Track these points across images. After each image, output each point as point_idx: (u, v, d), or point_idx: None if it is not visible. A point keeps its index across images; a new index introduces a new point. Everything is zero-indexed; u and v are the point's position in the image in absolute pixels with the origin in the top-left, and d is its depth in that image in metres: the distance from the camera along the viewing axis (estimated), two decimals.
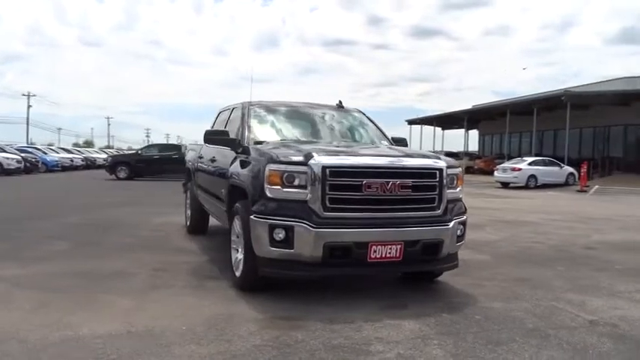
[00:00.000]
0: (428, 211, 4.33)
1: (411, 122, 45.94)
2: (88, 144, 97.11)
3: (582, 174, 22.45)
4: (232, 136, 5.41)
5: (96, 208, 11.08)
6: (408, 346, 3.37)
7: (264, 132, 5.45)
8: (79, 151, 40.81)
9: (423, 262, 4.42)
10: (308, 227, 3.97)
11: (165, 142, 25.63)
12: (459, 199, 4.67)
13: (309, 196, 4.05)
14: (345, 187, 4.10)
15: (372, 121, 6.22)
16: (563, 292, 4.88)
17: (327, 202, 4.05)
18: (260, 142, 5.08)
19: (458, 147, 47.99)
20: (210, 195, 6.08)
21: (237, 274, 4.63)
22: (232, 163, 5.04)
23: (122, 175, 22.43)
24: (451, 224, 4.40)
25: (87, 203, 12.02)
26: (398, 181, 4.18)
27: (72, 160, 33.01)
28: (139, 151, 24.23)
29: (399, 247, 4.17)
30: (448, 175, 4.45)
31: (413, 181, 4.26)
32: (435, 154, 4.83)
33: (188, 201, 7.90)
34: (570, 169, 24.72)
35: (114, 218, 9.34)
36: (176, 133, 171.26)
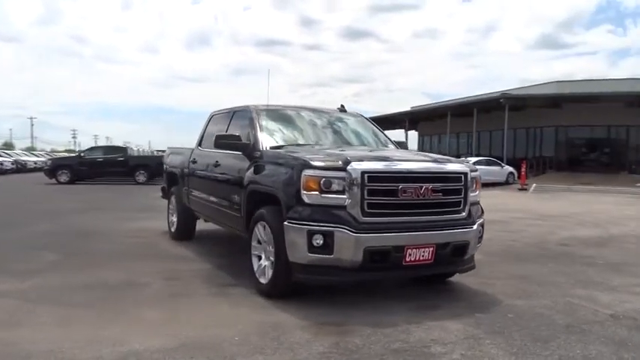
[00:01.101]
0: (454, 214, 4.47)
1: None
2: (8, 146, 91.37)
3: (522, 173, 23.61)
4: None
5: (60, 214, 10.53)
6: (465, 346, 3.47)
7: (278, 136, 5.40)
8: (7, 153, 38.39)
9: (450, 263, 4.55)
10: (349, 233, 4.00)
11: (109, 145, 24.45)
12: (478, 202, 4.84)
13: (347, 201, 4.07)
14: (383, 192, 4.16)
15: (374, 124, 6.32)
16: (570, 288, 5.15)
17: (366, 207, 4.09)
18: (279, 147, 5.05)
19: None
20: (213, 201, 5.94)
21: (263, 280, 4.57)
22: (250, 168, 4.97)
23: (63, 178, 21.34)
24: (475, 226, 4.56)
25: (49, 210, 11.39)
26: (430, 186, 4.29)
27: (1, 164, 31.01)
28: (82, 154, 23.13)
29: (431, 249, 4.27)
30: (471, 178, 4.61)
31: (443, 185, 4.38)
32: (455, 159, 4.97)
33: (172, 206, 7.68)
34: (510, 169, 25.96)
35: (85, 225, 8.91)
36: (105, 134, 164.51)
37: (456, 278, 5.26)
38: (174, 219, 7.58)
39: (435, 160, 4.65)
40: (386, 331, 3.72)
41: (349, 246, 4.00)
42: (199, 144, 6.86)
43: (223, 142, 5.30)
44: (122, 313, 4.07)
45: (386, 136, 6.18)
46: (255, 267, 4.74)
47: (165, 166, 8.25)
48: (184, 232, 7.40)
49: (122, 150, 23.29)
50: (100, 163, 22.09)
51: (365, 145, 5.81)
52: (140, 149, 26.15)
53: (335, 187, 4.09)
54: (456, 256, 4.48)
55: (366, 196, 4.08)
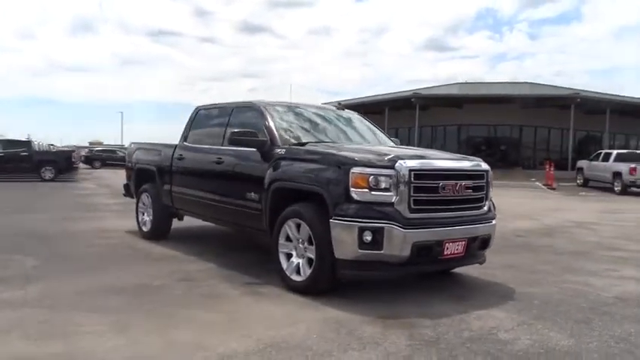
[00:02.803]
0: (479, 210, 4.76)
1: None
2: None
3: None
4: None
5: None
6: (525, 332, 3.73)
7: (293, 133, 5.38)
8: None
9: (474, 256, 4.84)
10: (398, 228, 4.13)
11: (9, 138, 22.25)
12: (491, 198, 5.18)
13: (394, 198, 4.20)
14: (427, 189, 4.34)
15: (371, 122, 6.48)
16: (560, 274, 5.66)
17: (412, 204, 4.24)
18: (301, 144, 5.05)
19: None
20: (214, 199, 5.77)
21: (298, 278, 4.58)
22: (272, 165, 4.93)
23: None
24: (494, 221, 4.88)
25: None
26: (463, 183, 4.54)
27: None
28: None
29: (464, 243, 4.53)
30: (490, 175, 4.93)
31: (473, 182, 4.65)
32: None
33: (143, 205, 7.32)
34: None
35: (31, 227, 8.19)
36: None
37: (459, 270, 5.55)
38: (147, 218, 7.23)
39: (464, 159, 4.91)
40: (444, 321, 3.91)
41: (399, 241, 4.14)
42: (185, 139, 6.61)
43: (239, 138, 5.18)
44: (173, 316, 3.90)
45: (383, 132, 6.37)
46: (285, 265, 4.71)
47: (131, 163, 7.83)
48: (159, 232, 7.11)
49: (25, 144, 21.42)
50: (0, 158, 20.21)
51: (372, 141, 5.94)
52: (40, 143, 24.09)
53: (383, 184, 4.20)
54: (481, 249, 4.78)
55: (412, 193, 4.24)
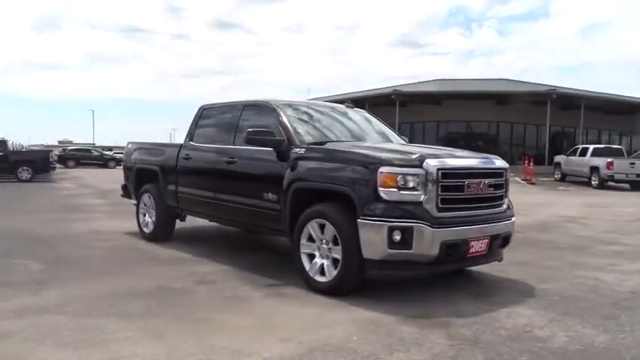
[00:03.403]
0: (498, 207, 4.79)
1: None
2: None
3: None
4: None
5: None
6: (558, 328, 3.77)
7: (310, 132, 5.32)
8: None
9: (495, 254, 4.87)
10: (428, 228, 4.13)
11: None
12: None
13: (423, 197, 4.20)
14: (453, 187, 4.35)
15: (381, 120, 6.47)
16: (570, 270, 5.75)
17: (439, 203, 4.25)
18: (320, 143, 5.01)
19: None
20: (227, 199, 5.67)
21: (322, 279, 4.54)
22: (291, 165, 4.88)
23: None
24: (513, 218, 4.93)
25: None
26: (486, 181, 4.57)
27: None
28: None
29: (487, 241, 4.55)
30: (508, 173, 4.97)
31: (494, 181, 4.68)
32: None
33: (144, 206, 7.18)
34: None
35: (24, 229, 7.96)
36: None
37: (473, 268, 5.57)
38: (149, 219, 7.10)
39: (484, 157, 4.93)
40: (476, 319, 3.93)
41: (428, 241, 4.14)
42: (191, 138, 6.49)
43: (256, 137, 5.11)
44: (203, 320, 3.83)
45: (393, 130, 6.37)
46: (308, 266, 4.67)
47: (129, 163, 7.66)
48: (162, 233, 6.98)
49: (1, 144, 20.82)
50: None
51: (385, 140, 5.94)
52: (15, 143, 23.41)
53: (411, 183, 4.19)
54: (502, 246, 4.82)
55: (439, 192, 4.24)
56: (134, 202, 7.71)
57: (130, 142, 7.98)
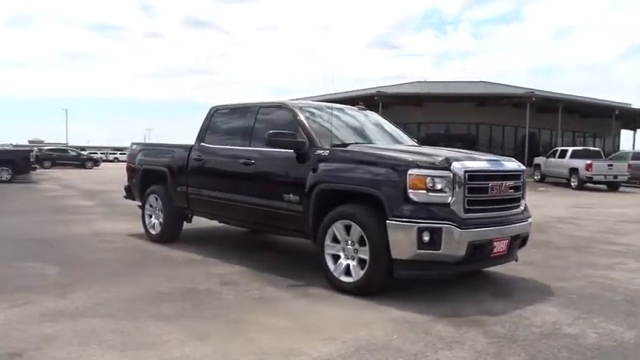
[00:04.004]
0: (517, 209, 4.92)
1: None
2: None
3: None
4: None
5: None
6: (585, 326, 3.90)
7: (329, 134, 5.36)
8: None
9: (512, 254, 4.99)
10: (456, 229, 4.23)
11: None
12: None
13: (450, 198, 4.30)
14: (478, 189, 4.46)
15: (391, 122, 6.56)
16: (578, 269, 5.92)
17: (466, 204, 4.35)
18: (343, 145, 5.07)
19: None
20: (244, 200, 5.68)
21: (348, 279, 4.61)
22: (313, 166, 4.93)
23: None
24: (530, 219, 5.07)
25: None
26: (507, 183, 4.70)
27: None
28: None
29: (507, 241, 4.68)
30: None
31: (514, 182, 4.81)
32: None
33: (151, 207, 7.13)
34: None
35: (25, 231, 7.85)
36: None
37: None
38: (156, 221, 7.07)
39: (503, 159, 5.06)
40: (505, 318, 4.04)
41: (456, 241, 4.24)
42: (202, 140, 6.48)
43: (277, 139, 5.14)
44: (241, 322, 3.86)
45: (405, 132, 6.48)
46: (332, 267, 4.73)
47: (133, 164, 7.60)
48: (170, 235, 6.96)
49: None
50: None
51: (400, 141, 6.02)
52: None
53: (439, 185, 4.29)
54: (520, 247, 4.95)
55: (466, 194, 4.35)
56: (138, 203, 7.66)
57: (133, 143, 7.92)
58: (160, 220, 6.97)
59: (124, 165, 8.20)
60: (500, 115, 32.62)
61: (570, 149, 23.36)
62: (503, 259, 4.86)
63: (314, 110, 5.71)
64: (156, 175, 7.06)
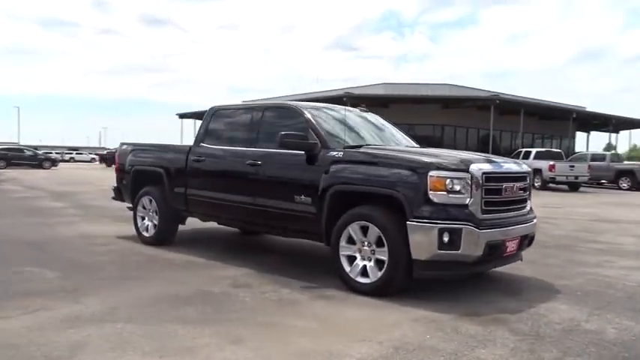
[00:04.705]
0: (524, 209, 5.07)
1: (182, 116, 45.19)
2: None
3: None
4: None
5: None
6: (603, 322, 4.05)
7: (339, 136, 5.37)
8: None
9: (519, 254, 5.13)
10: (475, 229, 4.32)
11: None
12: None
13: (469, 200, 4.39)
14: (494, 190, 4.58)
15: (392, 124, 6.63)
16: (573, 267, 6.13)
17: (483, 205, 4.45)
18: (357, 147, 5.10)
19: None
20: (251, 202, 5.63)
21: (365, 280, 4.64)
22: (327, 168, 4.94)
23: None
24: (535, 219, 5.22)
25: None
26: (518, 184, 4.84)
27: None
28: None
29: (517, 241, 4.82)
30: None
31: (523, 184, 4.95)
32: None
33: (144, 209, 6.98)
34: None
35: (8, 233, 7.55)
36: None
37: None
38: (150, 223, 6.92)
39: (514, 162, 5.19)
40: (524, 315, 4.16)
41: (474, 241, 4.33)
42: (202, 141, 6.39)
43: (291, 141, 5.13)
44: (271, 324, 3.84)
45: (405, 133, 6.57)
46: (348, 268, 4.76)
47: (123, 164, 7.42)
48: (165, 237, 6.83)
49: None
50: None
51: (405, 143, 6.11)
52: None
53: (458, 187, 4.37)
54: (527, 246, 5.10)
55: (483, 195, 4.45)
56: (128, 205, 7.49)
57: (123, 143, 7.73)
58: (155, 222, 6.83)
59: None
60: (464, 117, 33.36)
61: (534, 151, 24.10)
62: (512, 259, 4.99)
63: (319, 112, 5.72)
64: (150, 177, 6.92)
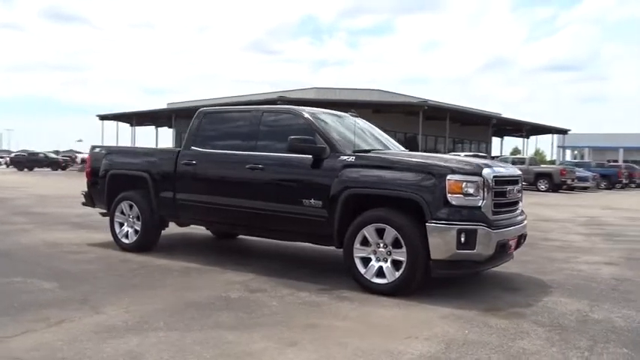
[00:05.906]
0: (517, 211, 5.43)
1: (103, 117, 43.23)
2: None
3: None
4: None
5: None
6: (605, 312, 4.43)
7: (345, 141, 5.48)
8: None
9: (512, 253, 5.48)
10: (488, 229, 4.60)
11: None
12: None
13: (481, 202, 4.66)
14: (502, 193, 4.89)
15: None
16: (550, 263, 6.59)
17: (493, 207, 4.75)
18: (366, 151, 5.24)
19: (150, 143, 47.71)
20: (253, 206, 5.60)
21: (382, 280, 4.78)
22: (339, 172, 5.04)
23: None
24: (526, 220, 5.61)
25: None
26: (517, 187, 5.19)
27: None
28: None
29: (516, 240, 5.17)
30: None
31: (520, 187, 5.32)
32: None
33: (123, 215, 6.71)
34: None
35: None
36: None
37: None
38: (130, 229, 6.66)
39: (509, 166, 5.54)
40: (536, 309, 4.47)
41: (488, 241, 4.61)
42: (192, 144, 6.26)
43: (300, 145, 5.18)
44: (315, 326, 3.89)
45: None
46: (363, 269, 4.88)
47: (96, 169, 7.08)
48: (147, 243, 6.61)
49: None
50: None
51: (399, 147, 6.33)
52: None
53: (472, 190, 4.63)
54: (521, 245, 5.46)
55: (493, 197, 4.74)
56: (101, 211, 7.19)
57: (95, 146, 7.38)
58: (136, 227, 6.60)
59: None
60: (394, 122, 34.37)
61: (463, 154, 25.34)
62: (509, 257, 5.33)
63: (321, 117, 5.81)
64: (130, 180, 6.68)
